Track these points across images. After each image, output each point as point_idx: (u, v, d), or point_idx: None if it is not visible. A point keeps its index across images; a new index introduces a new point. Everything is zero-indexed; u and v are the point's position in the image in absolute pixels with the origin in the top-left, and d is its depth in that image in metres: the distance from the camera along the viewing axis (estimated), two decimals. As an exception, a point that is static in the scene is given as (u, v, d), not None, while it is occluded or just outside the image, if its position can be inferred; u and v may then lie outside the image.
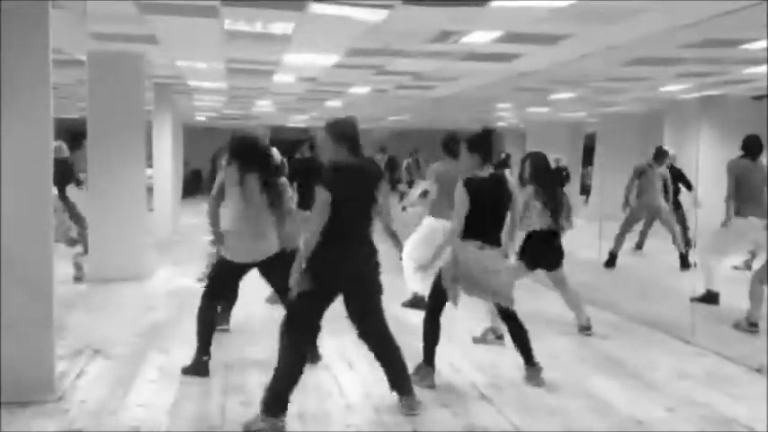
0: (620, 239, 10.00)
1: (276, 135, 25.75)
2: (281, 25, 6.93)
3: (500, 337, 5.72)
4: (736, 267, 9.22)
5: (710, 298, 7.34)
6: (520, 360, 4.93)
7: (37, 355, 4.39)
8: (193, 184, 23.05)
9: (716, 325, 6.57)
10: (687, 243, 9.94)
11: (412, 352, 4.63)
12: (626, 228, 10.08)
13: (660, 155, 10.07)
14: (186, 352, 5.10)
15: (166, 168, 12.98)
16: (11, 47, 4.24)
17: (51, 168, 4.51)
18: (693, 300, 7.18)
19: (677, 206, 10.44)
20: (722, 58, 8.81)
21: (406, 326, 5.63)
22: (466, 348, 5.70)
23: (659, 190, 9.85)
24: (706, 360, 5.56)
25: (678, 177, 10.51)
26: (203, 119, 22.73)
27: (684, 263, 9.59)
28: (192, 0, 5.89)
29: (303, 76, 11.05)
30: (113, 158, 8.52)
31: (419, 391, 4.38)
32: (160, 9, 6.25)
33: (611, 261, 9.92)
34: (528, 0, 5.82)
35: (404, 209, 11.98)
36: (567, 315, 6.41)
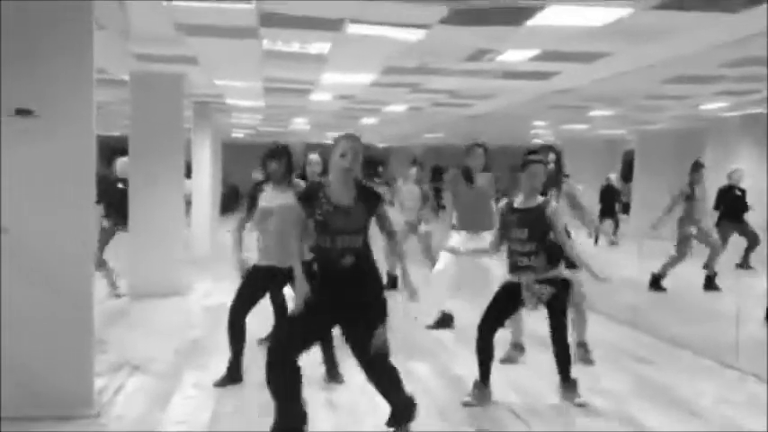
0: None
1: (311, 151, 25.71)
2: (318, 45, 7.01)
3: (523, 350, 5.72)
4: None
5: None
6: (556, 381, 4.85)
7: (77, 370, 4.45)
8: (231, 200, 23.32)
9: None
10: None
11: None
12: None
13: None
14: (223, 369, 5.14)
15: (205, 185, 13.17)
16: (56, 67, 4.36)
17: (93, 185, 4.61)
18: None
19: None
20: (762, 75, 8.64)
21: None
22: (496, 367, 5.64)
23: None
24: (752, 387, 5.40)
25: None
26: (241, 135, 23.03)
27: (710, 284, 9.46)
28: (231, 22, 5.98)
29: (339, 94, 11.14)
30: (154, 176, 8.67)
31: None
32: (200, 31, 6.37)
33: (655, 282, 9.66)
34: (563, 20, 5.78)
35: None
36: (606, 338, 6.29)
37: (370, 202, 3.81)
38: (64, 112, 4.39)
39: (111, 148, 10.66)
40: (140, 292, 8.42)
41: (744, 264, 11.18)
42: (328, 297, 3.75)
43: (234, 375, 5.10)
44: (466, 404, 4.72)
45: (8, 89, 4.28)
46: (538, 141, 23.54)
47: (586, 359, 5.75)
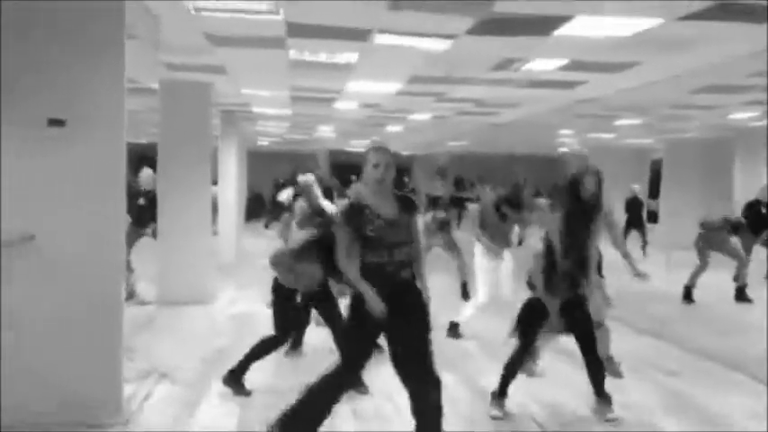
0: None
1: (335, 159, 26.00)
2: (345, 55, 7.04)
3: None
4: None
5: None
6: (582, 394, 4.80)
7: (106, 377, 4.50)
8: (255, 207, 23.48)
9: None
10: None
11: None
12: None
13: None
14: (249, 376, 5.17)
15: (231, 193, 13.27)
16: (87, 76, 4.43)
17: (124, 193, 4.68)
18: None
19: None
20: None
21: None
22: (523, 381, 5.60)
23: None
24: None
25: None
26: (266, 143, 23.18)
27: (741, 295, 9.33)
28: (259, 32, 6.04)
29: (366, 102, 11.18)
30: (182, 183, 8.76)
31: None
32: (229, 42, 6.44)
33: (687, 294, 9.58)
34: (591, 31, 5.75)
35: None
36: (634, 350, 6.22)
37: (409, 211, 3.82)
38: (95, 120, 4.45)
39: (138, 155, 10.78)
40: (167, 299, 8.49)
41: None
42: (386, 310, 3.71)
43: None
44: (494, 417, 4.69)
45: (41, 98, 4.36)
46: (564, 150, 23.40)
47: (616, 372, 5.69)
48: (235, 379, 5.14)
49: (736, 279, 9.58)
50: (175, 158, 8.75)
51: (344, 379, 3.89)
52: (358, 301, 3.74)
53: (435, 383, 3.73)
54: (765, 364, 6.03)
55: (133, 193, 8.63)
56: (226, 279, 10.30)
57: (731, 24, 5.42)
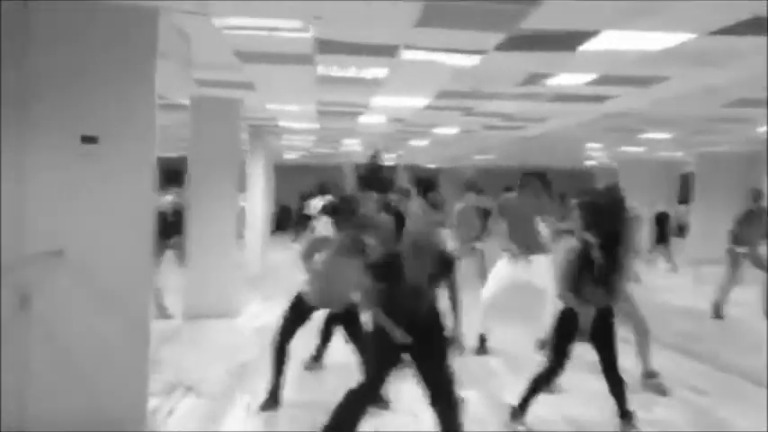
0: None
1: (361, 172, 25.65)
2: (373, 70, 7.07)
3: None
4: None
5: None
6: (608, 410, 4.74)
7: (132, 389, 4.56)
8: (282, 220, 23.63)
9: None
10: None
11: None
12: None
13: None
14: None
15: (258, 205, 13.38)
16: (120, 94, 4.52)
17: (153, 208, 4.74)
18: None
19: None
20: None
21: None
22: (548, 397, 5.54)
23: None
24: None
25: None
26: (292, 157, 23.34)
27: None
28: (288, 49, 6.09)
29: (392, 116, 11.21)
30: (211, 198, 8.85)
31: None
32: (258, 58, 6.50)
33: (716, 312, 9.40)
34: (619, 45, 5.71)
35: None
36: (660, 366, 6.11)
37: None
38: (127, 137, 4.53)
39: (167, 170, 10.87)
40: (194, 312, 8.56)
41: None
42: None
43: (276, 398, 5.14)
44: None
45: (73, 113, 4.44)
46: (593, 163, 23.20)
47: (659, 389, 5.59)
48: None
49: None
50: (205, 173, 8.84)
51: (366, 394, 3.96)
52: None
53: (455, 405, 3.90)
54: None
55: (158, 212, 8.70)
56: (252, 292, 10.36)
57: (758, 38, 5.34)
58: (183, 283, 8.80)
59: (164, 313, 8.45)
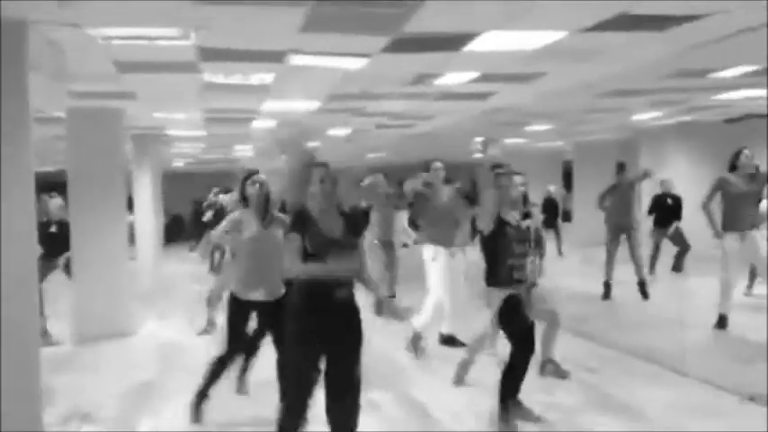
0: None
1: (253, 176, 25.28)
2: (260, 76, 6.98)
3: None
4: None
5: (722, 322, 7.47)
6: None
7: (25, 422, 4.30)
8: (174, 230, 22.92)
9: (711, 354, 6.62)
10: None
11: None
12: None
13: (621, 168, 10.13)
14: (177, 411, 5.03)
15: (147, 217, 12.91)
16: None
17: (34, 225, 4.49)
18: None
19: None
20: (692, 87, 9.01)
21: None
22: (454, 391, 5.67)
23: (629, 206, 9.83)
24: (699, 391, 5.57)
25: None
26: (181, 164, 22.69)
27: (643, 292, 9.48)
28: (170, 58, 5.91)
29: (284, 120, 11.11)
30: (95, 212, 8.42)
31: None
32: (139, 67, 6.28)
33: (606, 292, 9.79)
34: (499, 45, 5.92)
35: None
36: (556, 350, 6.39)
37: (356, 230, 3.80)
38: (2, 153, 4.27)
39: (47, 184, 10.31)
40: (87, 334, 8.14)
41: (676, 267, 11.62)
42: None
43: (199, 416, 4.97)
44: None
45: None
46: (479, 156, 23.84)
47: (561, 373, 5.79)
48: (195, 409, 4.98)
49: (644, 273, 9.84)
50: (87, 186, 8.41)
51: (288, 420, 3.70)
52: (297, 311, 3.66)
53: (356, 411, 3.73)
54: (679, 355, 6.33)
55: (44, 222, 8.21)
56: (147, 308, 9.99)
57: (631, 34, 5.68)
58: (72, 304, 8.36)
59: (48, 340, 7.93)
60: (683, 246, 11.50)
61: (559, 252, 15.55)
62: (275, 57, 6.03)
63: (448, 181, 7.12)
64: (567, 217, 19.73)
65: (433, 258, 6.80)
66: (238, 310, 4.88)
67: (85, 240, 8.36)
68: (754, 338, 6.95)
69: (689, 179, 12.84)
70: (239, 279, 4.88)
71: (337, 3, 4.47)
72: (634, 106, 11.16)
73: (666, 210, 11.45)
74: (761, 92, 9.45)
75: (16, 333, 4.29)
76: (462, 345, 6.52)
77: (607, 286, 9.74)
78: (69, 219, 8.32)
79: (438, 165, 7.03)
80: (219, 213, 12.12)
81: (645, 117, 12.84)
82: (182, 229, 23.37)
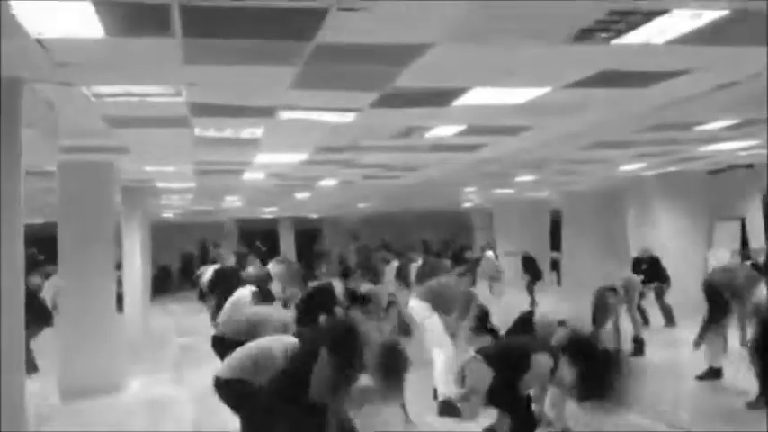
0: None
1: (245, 227, 25.63)
2: (250, 130, 7.08)
3: None
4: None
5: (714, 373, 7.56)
6: None
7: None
8: (162, 282, 22.75)
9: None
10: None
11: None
12: None
13: None
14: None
15: (136, 270, 12.82)
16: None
17: (21, 284, 4.47)
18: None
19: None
20: (677, 138, 9.18)
21: None
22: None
23: None
24: None
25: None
26: (171, 215, 22.69)
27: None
28: (161, 113, 5.99)
29: (272, 172, 11.20)
30: (85, 264, 8.38)
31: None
32: (130, 123, 6.35)
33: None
34: (486, 100, 6.05)
35: None
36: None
37: None
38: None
39: (34, 238, 10.27)
40: (72, 391, 7.98)
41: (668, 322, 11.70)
42: None
43: None
44: None
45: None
46: (470, 205, 23.98)
47: None
48: None
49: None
50: (77, 239, 8.39)
51: None
52: None
53: None
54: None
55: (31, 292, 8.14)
56: (136, 362, 9.84)
57: (614, 90, 5.82)
58: (59, 359, 8.24)
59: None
60: (665, 312, 11.64)
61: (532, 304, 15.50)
62: (266, 112, 6.13)
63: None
64: (556, 266, 19.78)
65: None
66: None
67: (74, 293, 8.30)
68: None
69: (674, 230, 13.00)
70: None
71: (327, 62, 4.57)
72: (619, 157, 11.32)
73: (643, 273, 11.46)
74: (744, 143, 9.64)
75: (2, 393, 4.23)
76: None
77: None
78: (56, 274, 8.30)
79: None
80: (222, 278, 11.31)
81: (631, 168, 13.01)
82: (170, 281, 23.22)
